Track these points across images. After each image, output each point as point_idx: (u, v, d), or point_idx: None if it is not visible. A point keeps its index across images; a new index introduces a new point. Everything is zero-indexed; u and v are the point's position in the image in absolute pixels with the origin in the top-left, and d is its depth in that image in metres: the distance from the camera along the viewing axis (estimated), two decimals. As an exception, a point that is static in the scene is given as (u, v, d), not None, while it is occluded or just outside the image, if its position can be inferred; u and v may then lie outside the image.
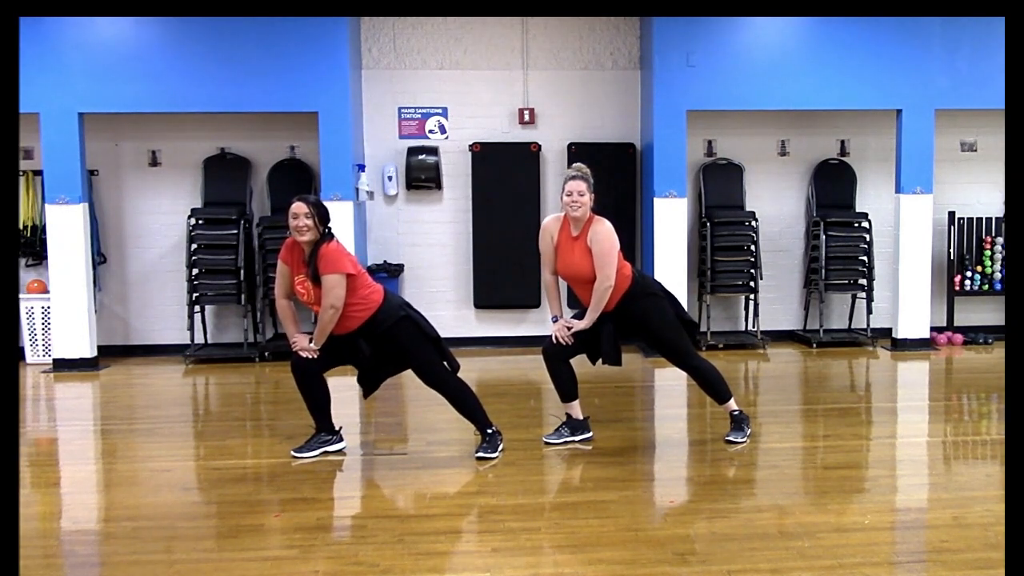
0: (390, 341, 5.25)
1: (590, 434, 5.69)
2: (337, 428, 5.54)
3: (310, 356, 5.24)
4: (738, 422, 5.65)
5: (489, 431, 5.41)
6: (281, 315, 5.38)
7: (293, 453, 5.44)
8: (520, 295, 9.12)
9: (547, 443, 5.62)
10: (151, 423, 6.63)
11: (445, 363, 5.35)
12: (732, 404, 5.66)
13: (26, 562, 3.88)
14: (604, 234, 5.35)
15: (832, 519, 4.40)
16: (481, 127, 9.07)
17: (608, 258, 5.31)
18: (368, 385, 5.47)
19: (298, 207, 5.12)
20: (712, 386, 5.60)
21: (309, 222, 5.10)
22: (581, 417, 5.68)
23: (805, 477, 5.19)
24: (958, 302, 9.27)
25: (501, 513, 4.52)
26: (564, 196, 5.38)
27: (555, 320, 5.57)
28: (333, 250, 5.12)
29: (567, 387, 5.62)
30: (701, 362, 5.60)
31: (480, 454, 5.34)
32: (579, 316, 5.53)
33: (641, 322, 5.49)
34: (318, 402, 5.42)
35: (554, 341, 5.52)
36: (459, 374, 5.41)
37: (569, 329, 5.46)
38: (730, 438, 5.60)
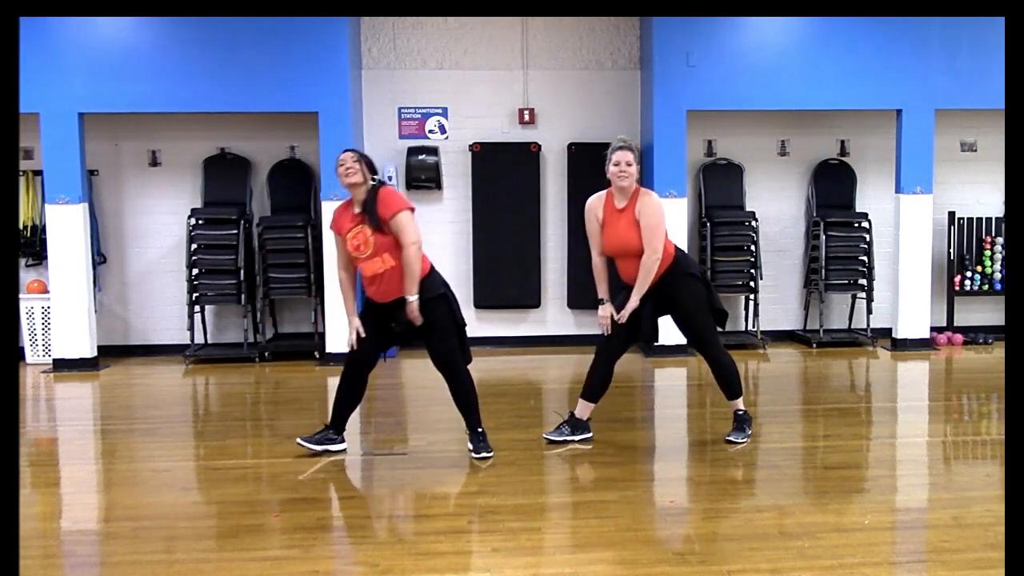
0: (425, 312, 5.20)
1: (590, 434, 5.69)
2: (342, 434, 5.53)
3: (359, 336, 5.21)
4: (741, 422, 5.64)
5: (479, 430, 5.43)
6: (341, 290, 5.38)
7: (300, 440, 5.44)
8: (520, 295, 9.12)
9: (548, 440, 5.61)
10: (151, 423, 6.63)
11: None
12: (740, 403, 5.66)
13: (26, 562, 3.88)
14: (653, 207, 5.31)
15: (832, 519, 4.40)
16: (481, 127, 9.07)
17: (656, 231, 5.28)
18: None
19: (345, 155, 5.22)
20: (727, 380, 5.59)
21: (356, 165, 5.15)
22: (585, 418, 5.68)
23: (805, 477, 5.19)
24: (958, 302, 9.27)
25: (501, 513, 4.52)
26: (611, 166, 5.34)
27: (601, 303, 5.50)
28: (392, 191, 5.20)
29: (599, 387, 5.59)
30: (722, 354, 5.57)
31: (483, 455, 5.35)
32: (621, 302, 5.44)
33: (674, 301, 5.42)
34: (349, 401, 5.42)
35: (607, 332, 5.46)
36: None
37: (616, 317, 5.37)
38: (731, 438, 5.60)
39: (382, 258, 5.11)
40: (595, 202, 5.50)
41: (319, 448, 5.44)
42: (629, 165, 5.31)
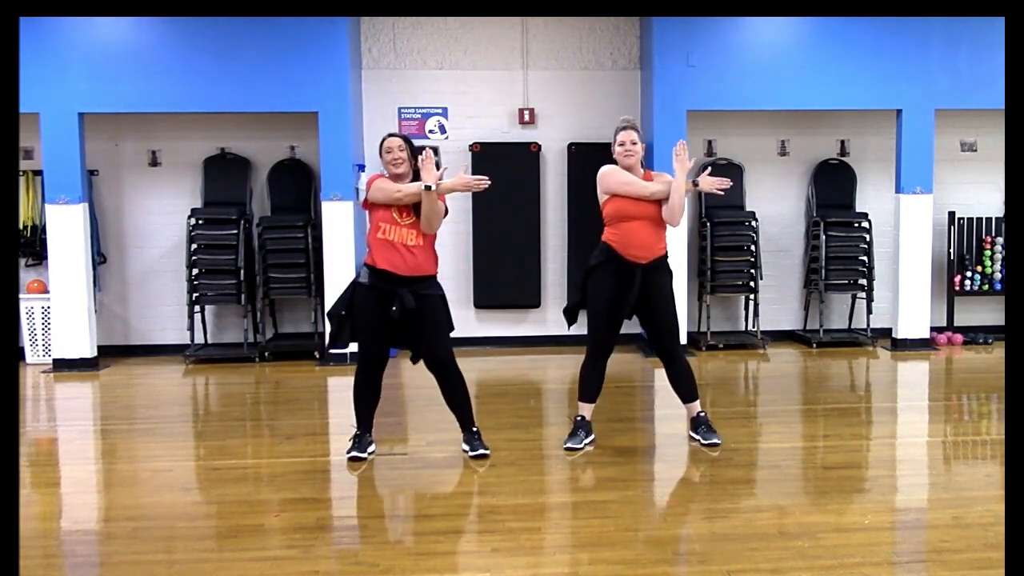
0: (425, 305, 5.20)
1: (592, 436, 5.69)
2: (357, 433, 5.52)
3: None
4: (708, 424, 5.64)
5: (475, 429, 5.44)
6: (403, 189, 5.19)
7: (354, 453, 5.36)
8: (520, 295, 9.12)
9: (569, 449, 5.52)
10: (151, 423, 6.63)
11: None
12: (699, 405, 5.67)
13: (26, 562, 3.89)
14: None
15: (832, 519, 4.40)
16: (481, 127, 9.07)
17: None
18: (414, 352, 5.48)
19: (392, 141, 5.23)
20: (689, 380, 5.60)
21: (403, 155, 5.21)
22: (589, 418, 5.68)
23: (805, 477, 5.19)
24: (958, 302, 9.27)
25: (501, 513, 4.52)
26: (617, 147, 5.42)
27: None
28: None
29: (597, 388, 5.61)
30: (683, 354, 5.67)
31: (481, 451, 5.35)
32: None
33: (660, 290, 5.42)
34: (370, 403, 5.41)
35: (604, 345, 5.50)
36: None
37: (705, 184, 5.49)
38: (714, 440, 5.56)
39: (419, 231, 5.17)
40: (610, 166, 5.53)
41: (369, 452, 5.42)
42: (634, 144, 5.42)
